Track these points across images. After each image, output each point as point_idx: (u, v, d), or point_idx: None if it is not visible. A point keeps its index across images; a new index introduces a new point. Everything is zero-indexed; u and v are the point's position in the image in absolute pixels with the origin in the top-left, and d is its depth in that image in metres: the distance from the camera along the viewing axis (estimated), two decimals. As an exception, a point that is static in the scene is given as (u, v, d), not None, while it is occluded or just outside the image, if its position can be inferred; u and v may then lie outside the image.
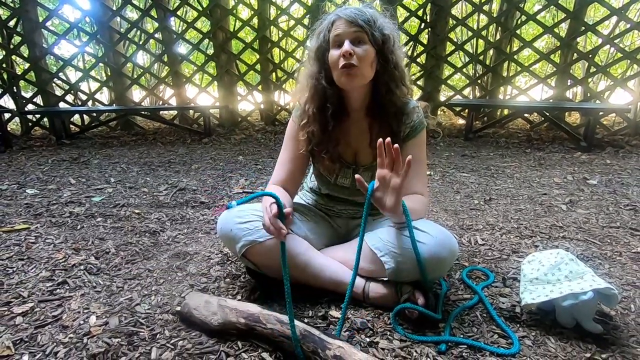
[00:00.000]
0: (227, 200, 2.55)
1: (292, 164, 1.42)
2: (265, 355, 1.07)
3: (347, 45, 1.21)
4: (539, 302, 1.19)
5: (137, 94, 7.16)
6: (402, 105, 1.34)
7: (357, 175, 1.14)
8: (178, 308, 1.24)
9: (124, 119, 5.85)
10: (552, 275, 1.22)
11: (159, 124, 6.10)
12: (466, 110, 5.29)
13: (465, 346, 1.11)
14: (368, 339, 1.14)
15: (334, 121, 1.36)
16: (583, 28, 4.86)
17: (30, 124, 5.69)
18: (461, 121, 5.84)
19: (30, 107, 5.67)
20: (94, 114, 5.93)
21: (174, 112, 6.18)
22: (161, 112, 6.04)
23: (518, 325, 1.22)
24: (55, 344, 1.12)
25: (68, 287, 1.44)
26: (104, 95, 7.51)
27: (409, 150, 1.35)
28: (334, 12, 1.29)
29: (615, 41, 4.71)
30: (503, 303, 1.34)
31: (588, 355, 1.08)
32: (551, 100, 5.27)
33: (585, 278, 1.17)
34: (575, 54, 5.00)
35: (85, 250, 1.75)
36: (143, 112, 5.59)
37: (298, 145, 1.41)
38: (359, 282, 1.32)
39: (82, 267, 1.59)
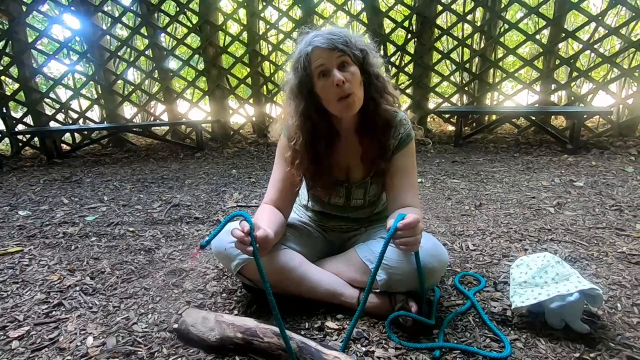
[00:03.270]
0: (221, 214, 2.56)
1: (284, 183, 1.41)
2: (263, 368, 1.08)
3: (338, 75, 1.19)
4: (528, 305, 1.21)
5: (128, 111, 7.15)
6: (390, 117, 1.35)
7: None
8: (175, 325, 1.24)
9: (116, 136, 5.83)
10: (540, 278, 1.25)
11: (151, 140, 6.09)
12: (455, 117, 5.35)
13: (459, 351, 1.13)
14: (364, 349, 1.15)
15: (326, 150, 1.36)
16: (563, 34, 4.97)
17: (20, 144, 5.65)
18: (450, 128, 5.90)
19: (20, 127, 5.65)
20: (85, 132, 5.91)
21: (166, 128, 6.17)
22: (153, 128, 6.03)
23: (509, 328, 1.25)
24: (53, 366, 1.12)
25: (64, 309, 1.44)
26: (95, 113, 7.48)
27: (398, 161, 1.36)
28: (305, 43, 1.23)
29: (595, 46, 4.81)
30: (495, 307, 1.37)
31: (577, 355, 1.11)
32: (537, 105, 5.34)
33: (571, 280, 1.20)
34: (557, 60, 5.10)
35: (80, 271, 1.75)
36: (135, 129, 5.57)
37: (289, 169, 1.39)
38: (353, 292, 1.34)
39: (77, 288, 1.59)
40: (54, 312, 1.42)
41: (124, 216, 2.56)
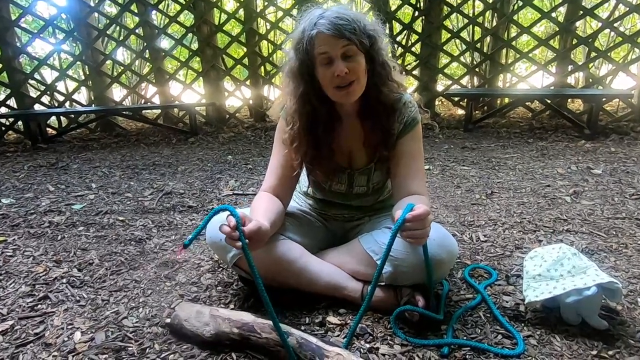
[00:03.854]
0: (216, 203, 2.55)
1: (284, 169, 1.40)
2: (260, 366, 1.07)
3: (340, 66, 1.18)
4: (542, 300, 1.20)
5: (117, 93, 7.11)
6: (392, 102, 1.33)
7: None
8: (168, 320, 1.24)
9: (104, 120, 5.80)
10: (555, 271, 1.24)
11: (142, 124, 6.07)
12: (465, 100, 5.31)
13: (469, 348, 1.13)
14: (368, 345, 1.15)
15: (326, 135, 1.35)
16: (581, 12, 4.90)
17: (3, 128, 5.62)
18: (460, 111, 5.86)
19: (3, 110, 5.62)
20: (72, 116, 5.88)
21: (158, 111, 6.14)
22: (144, 111, 6.00)
23: (522, 324, 1.24)
24: (38, 362, 1.12)
25: (50, 302, 1.44)
26: (82, 96, 7.45)
27: (403, 146, 1.35)
28: (309, 23, 1.20)
29: (615, 25, 4.74)
30: (507, 302, 1.36)
31: (594, 352, 1.10)
32: (552, 87, 5.30)
33: (589, 273, 1.19)
34: (574, 39, 5.03)
35: (67, 262, 1.75)
36: (124, 112, 5.55)
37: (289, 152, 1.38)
38: (356, 286, 1.33)
39: (64, 280, 1.58)
40: (39, 306, 1.41)
41: (113, 205, 2.55)
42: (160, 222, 2.22)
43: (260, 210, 1.25)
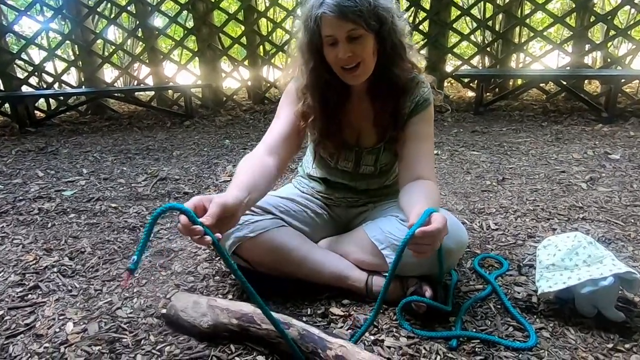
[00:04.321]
0: (213, 189, 2.54)
1: (288, 127, 1.36)
2: (260, 358, 1.08)
3: (343, 50, 1.18)
4: (556, 290, 1.20)
5: (108, 74, 7.09)
6: (404, 82, 1.33)
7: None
8: (163, 310, 1.24)
9: (95, 103, 5.78)
10: (570, 260, 1.23)
11: (135, 107, 6.04)
12: (475, 82, 5.27)
13: (478, 341, 1.13)
14: (372, 337, 1.15)
15: (337, 109, 1.35)
16: (602, -14, 4.83)
17: (-10, 111, 5.62)
18: (470, 93, 5.82)
19: (-11, 92, 5.60)
20: (61, 98, 5.85)
21: (151, 93, 6.12)
22: (136, 93, 5.98)
23: (535, 316, 1.24)
24: (29, 354, 1.12)
25: (41, 292, 1.44)
26: (72, 77, 7.41)
27: (413, 127, 1.34)
28: (317, 0, 1.19)
29: (635, 1, 4.67)
30: (518, 293, 1.36)
31: (610, 345, 1.10)
32: (568, 68, 5.25)
33: (605, 262, 1.19)
34: (592, 16, 4.96)
35: (57, 251, 1.75)
36: (116, 94, 5.53)
37: (295, 111, 1.38)
38: (361, 275, 1.33)
39: (55, 270, 1.59)
40: (29, 296, 1.42)
41: (105, 191, 2.55)
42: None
43: (239, 177, 1.16)
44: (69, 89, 6.00)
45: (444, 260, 1.18)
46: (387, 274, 1.12)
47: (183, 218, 0.90)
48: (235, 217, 1.05)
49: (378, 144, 1.41)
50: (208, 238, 0.91)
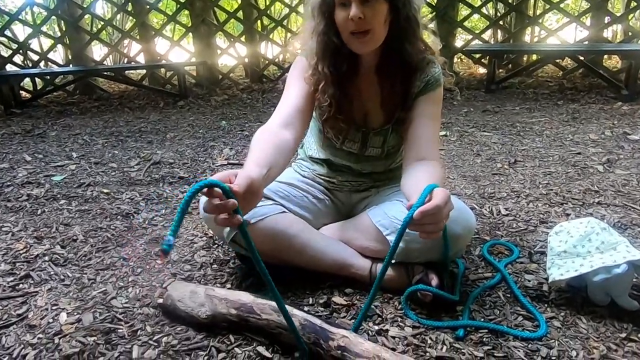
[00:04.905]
0: (209, 174, 2.55)
1: (304, 100, 1.36)
2: (261, 349, 1.10)
3: (355, 10, 1.17)
4: (568, 278, 1.21)
5: (97, 52, 7.06)
6: (416, 61, 1.34)
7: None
8: (160, 300, 1.26)
9: (84, 82, 5.76)
10: (582, 247, 1.24)
11: (125, 86, 6.02)
12: (487, 57, 5.23)
13: (486, 330, 1.15)
14: (376, 327, 1.17)
15: (347, 77, 1.36)
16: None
17: (-27, 91, 5.62)
18: (481, 70, 5.78)
19: (-29, 71, 5.59)
20: (48, 77, 5.84)
21: (143, 72, 6.09)
22: (127, 71, 5.95)
23: (546, 305, 1.26)
24: (22, 346, 1.15)
25: (32, 282, 1.46)
26: (59, 55, 7.38)
27: (420, 107, 1.35)
28: None
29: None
30: (529, 281, 1.38)
31: (623, 335, 1.12)
32: (586, 42, 5.19)
33: (619, 249, 1.19)
34: (615, -15, 4.89)
35: (49, 239, 1.77)
36: (106, 73, 5.51)
37: (308, 84, 1.37)
38: (364, 263, 1.34)
39: (46, 258, 1.61)
40: (21, 285, 1.44)
41: (96, 176, 2.56)
42: (148, 194, 2.23)
43: (256, 153, 1.13)
44: (55, 68, 5.97)
45: (449, 242, 1.19)
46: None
47: (216, 192, 0.86)
48: (259, 194, 1.03)
49: (386, 125, 1.42)
50: (238, 217, 0.89)
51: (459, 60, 6.72)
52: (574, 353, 1.06)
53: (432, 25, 1.40)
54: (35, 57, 6.01)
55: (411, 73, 1.34)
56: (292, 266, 1.38)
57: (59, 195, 2.25)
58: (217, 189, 0.86)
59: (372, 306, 1.25)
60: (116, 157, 2.95)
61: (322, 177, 1.58)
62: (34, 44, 6.39)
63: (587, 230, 1.27)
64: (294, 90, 1.37)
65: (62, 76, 6.14)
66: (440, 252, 1.23)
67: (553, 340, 1.11)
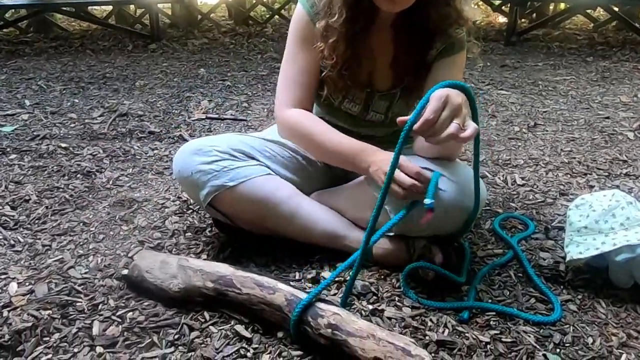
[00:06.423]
0: (184, 129, 2.52)
1: (309, 76, 1.39)
2: (239, 327, 1.10)
3: None
4: (587, 257, 1.22)
5: (54, -18, 6.85)
6: (440, 23, 1.30)
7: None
8: (125, 271, 1.26)
9: (39, 18, 5.64)
10: (605, 223, 1.24)
11: (88, 24, 5.93)
12: (508, 5, 5.16)
13: (494, 313, 1.15)
14: (371, 306, 1.18)
15: (362, 32, 1.33)
16: None
17: None
18: (501, 19, 5.72)
19: None
20: (-3, 11, 5.70)
21: (109, 8, 5.99)
22: (90, 7, 5.82)
23: (561, 286, 1.27)
24: (-34, 318, 1.15)
25: (-22, 247, 1.45)
26: (9, -16, 7.17)
27: (438, 72, 1.34)
28: None
29: None
30: (544, 259, 1.39)
31: (646, 322, 1.14)
32: (623, -10, 5.13)
33: (646, 226, 1.20)
34: None
35: (-3, 198, 1.76)
36: (65, 8, 5.39)
37: (316, 53, 1.36)
38: (359, 235, 1.33)
39: (-6, 220, 1.60)
40: (-36, 251, 1.44)
41: (53, 127, 2.53)
42: (113, 150, 2.21)
43: (335, 132, 1.36)
44: (5, 1, 5.80)
45: (479, 201, 1.20)
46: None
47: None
48: None
49: (393, 89, 1.40)
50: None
51: (475, 6, 6.63)
52: (590, 340, 1.08)
53: None
54: (-20, -13, 5.83)
55: (431, 32, 1.32)
56: (277, 236, 1.38)
57: (8, 149, 2.22)
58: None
59: (367, 283, 1.25)
60: (76, 107, 2.91)
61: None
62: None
63: (611, 204, 1.27)
64: (301, 62, 1.40)
65: (12, 10, 5.98)
66: (445, 225, 1.22)
67: (568, 326, 1.12)
